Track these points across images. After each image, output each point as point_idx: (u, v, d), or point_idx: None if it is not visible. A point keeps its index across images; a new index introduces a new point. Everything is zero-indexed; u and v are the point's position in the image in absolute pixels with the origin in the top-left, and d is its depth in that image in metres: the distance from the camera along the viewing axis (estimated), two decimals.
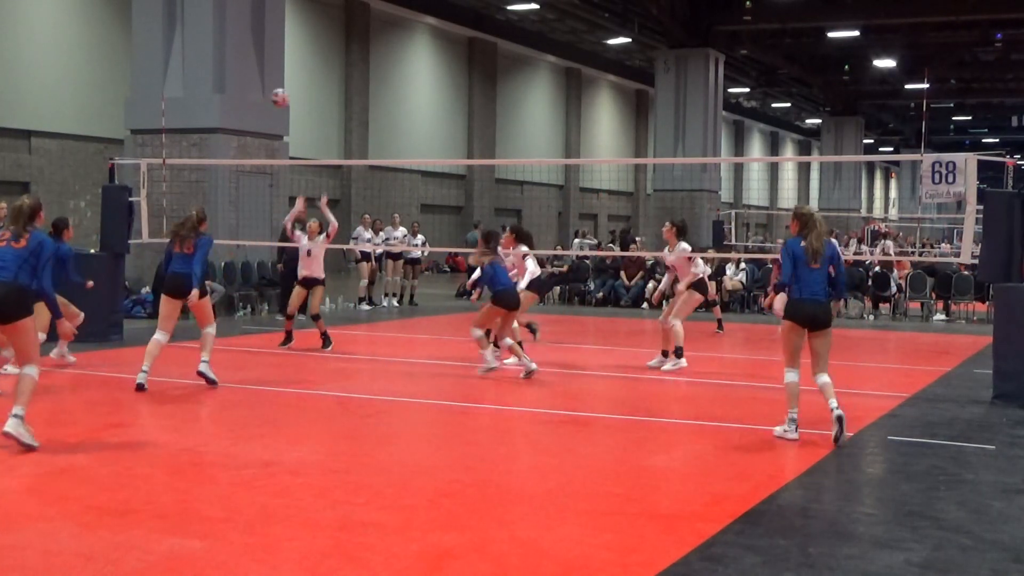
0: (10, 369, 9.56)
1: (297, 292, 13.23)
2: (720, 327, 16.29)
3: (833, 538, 5.48)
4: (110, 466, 6.81)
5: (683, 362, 11.75)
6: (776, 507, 6.06)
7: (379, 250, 19.90)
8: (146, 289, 16.92)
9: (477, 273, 11.89)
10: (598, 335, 12.29)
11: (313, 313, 13.26)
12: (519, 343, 11.40)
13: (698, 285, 11.95)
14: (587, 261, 22.81)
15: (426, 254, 24.31)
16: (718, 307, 16.85)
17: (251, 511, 5.83)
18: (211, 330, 9.97)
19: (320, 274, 13.16)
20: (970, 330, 17.48)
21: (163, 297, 9.93)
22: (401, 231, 20.67)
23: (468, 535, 5.44)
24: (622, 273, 21.94)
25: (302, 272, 13.23)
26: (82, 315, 10.92)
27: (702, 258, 12.79)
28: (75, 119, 24.11)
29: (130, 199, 14.07)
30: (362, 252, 19.45)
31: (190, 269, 9.63)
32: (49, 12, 23.81)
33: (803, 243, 7.84)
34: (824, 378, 7.92)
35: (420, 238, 21.14)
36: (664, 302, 13.31)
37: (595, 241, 34.05)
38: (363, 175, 32.56)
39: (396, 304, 20.40)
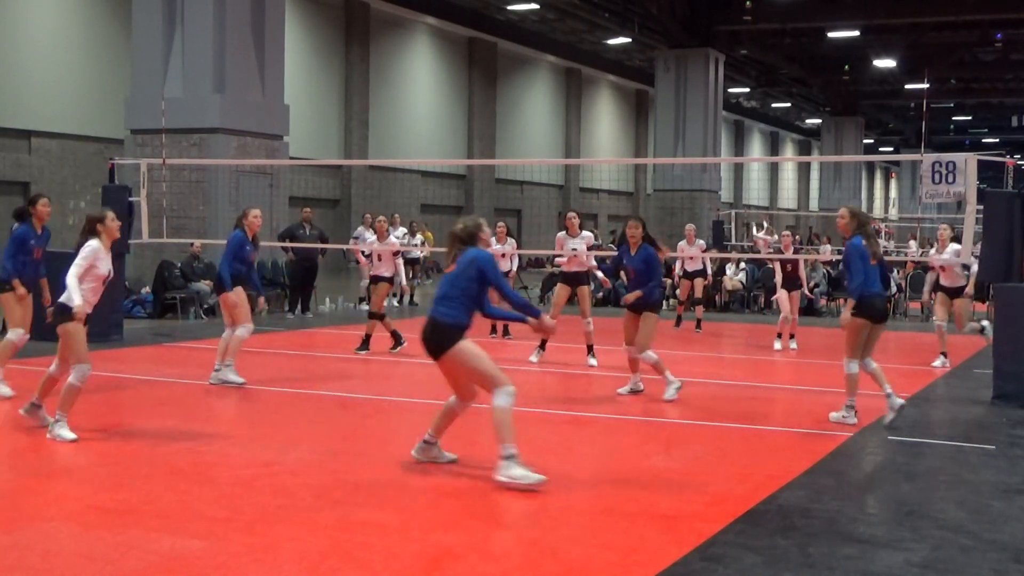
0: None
1: (379, 290, 13.03)
2: (699, 327, 16.31)
3: (833, 538, 5.48)
4: (110, 466, 6.81)
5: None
6: (776, 507, 6.06)
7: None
8: (146, 289, 16.94)
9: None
10: (598, 335, 12.28)
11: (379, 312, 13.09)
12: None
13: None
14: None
15: (426, 254, 24.32)
16: (700, 307, 16.72)
17: (251, 511, 5.83)
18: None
19: (391, 271, 13.08)
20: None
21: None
22: (400, 231, 20.69)
23: (468, 535, 5.44)
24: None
25: (376, 271, 13.10)
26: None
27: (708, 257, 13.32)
28: (75, 119, 24.11)
29: (130, 199, 14.07)
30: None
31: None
32: (49, 12, 23.81)
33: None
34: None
35: (419, 238, 21.15)
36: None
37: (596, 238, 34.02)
38: (363, 175, 32.55)
39: (396, 304, 20.39)
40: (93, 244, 7.60)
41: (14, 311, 9.29)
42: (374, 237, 13.79)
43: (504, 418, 6.42)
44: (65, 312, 7.43)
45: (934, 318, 12.97)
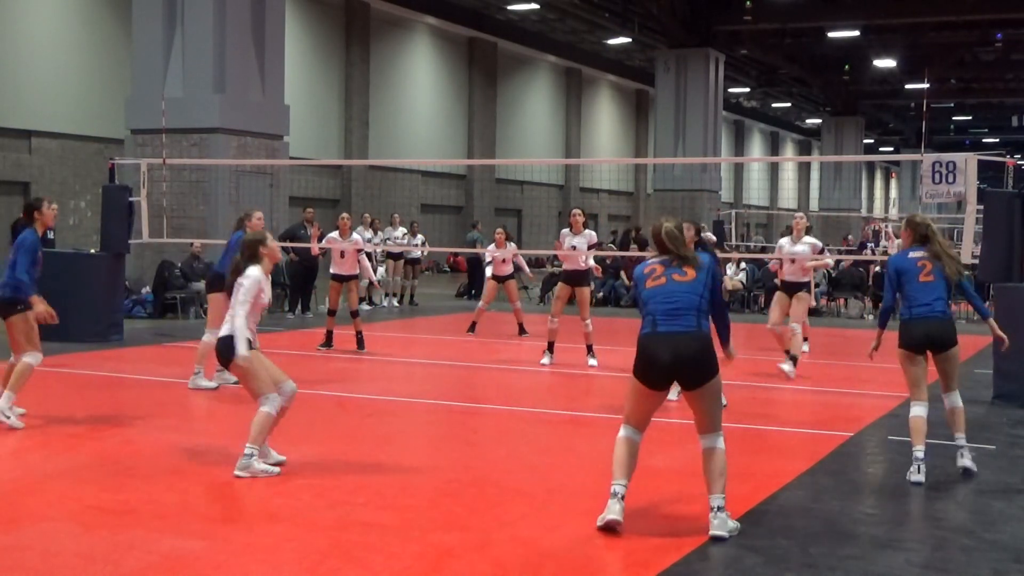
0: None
1: (334, 288, 13.05)
2: None
3: (834, 538, 5.48)
4: (110, 466, 6.81)
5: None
6: (777, 507, 6.06)
7: (378, 250, 19.91)
8: (146, 289, 16.94)
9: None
10: (598, 335, 12.29)
11: (352, 310, 13.08)
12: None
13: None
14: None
15: (426, 254, 24.33)
16: None
17: (251, 511, 5.83)
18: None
19: (354, 270, 13.02)
20: (970, 330, 17.43)
21: None
22: (400, 231, 20.70)
23: (468, 535, 5.43)
24: (622, 273, 21.93)
25: (336, 269, 13.06)
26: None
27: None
28: (75, 119, 24.10)
29: (130, 199, 14.07)
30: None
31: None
32: (49, 12, 23.81)
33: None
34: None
35: (419, 238, 21.17)
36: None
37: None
38: (363, 175, 32.56)
39: (396, 304, 20.41)
40: (255, 274, 6.76)
41: (34, 329, 8.08)
42: (368, 235, 13.72)
43: (724, 464, 5.55)
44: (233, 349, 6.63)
45: (769, 323, 11.74)
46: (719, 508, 5.44)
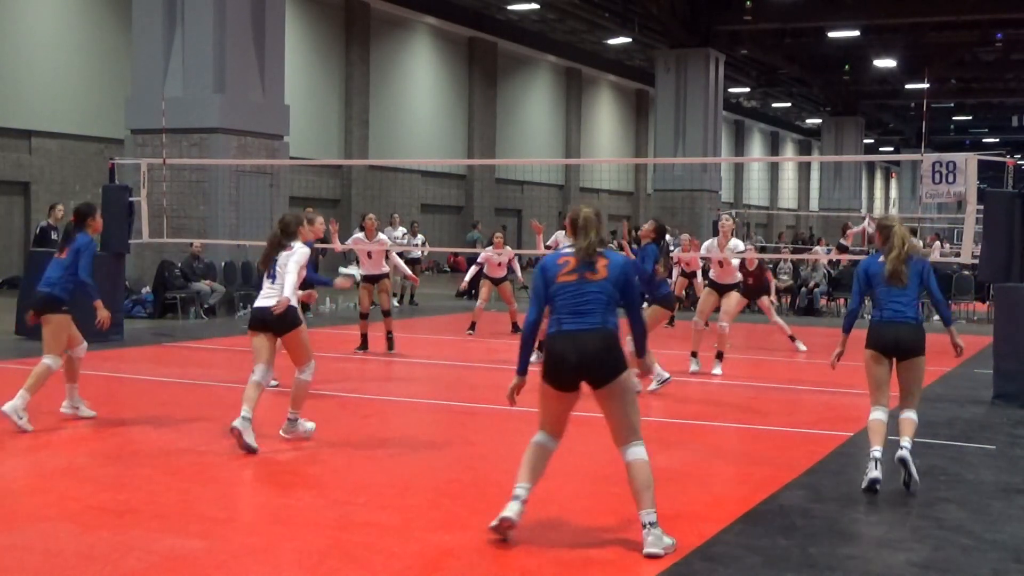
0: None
1: (366, 289, 13.04)
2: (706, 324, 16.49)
3: (834, 538, 5.48)
4: (110, 466, 6.81)
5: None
6: (777, 507, 6.06)
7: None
8: (146, 289, 16.94)
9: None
10: None
11: (384, 309, 13.05)
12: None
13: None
14: None
15: (426, 254, 24.30)
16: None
17: (251, 511, 5.83)
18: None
19: (380, 268, 12.94)
20: (970, 330, 17.44)
21: None
22: (400, 231, 20.69)
23: (468, 535, 5.43)
24: None
25: (365, 270, 13.03)
26: None
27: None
28: (75, 119, 24.10)
29: (130, 199, 14.07)
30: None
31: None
32: (49, 12, 23.80)
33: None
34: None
35: (420, 238, 21.17)
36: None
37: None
38: (363, 175, 32.55)
39: (396, 304, 20.40)
40: (305, 248, 7.76)
41: (67, 334, 8.11)
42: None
43: (650, 476, 5.23)
44: (297, 316, 7.53)
45: (696, 319, 11.74)
46: (652, 524, 5.14)
